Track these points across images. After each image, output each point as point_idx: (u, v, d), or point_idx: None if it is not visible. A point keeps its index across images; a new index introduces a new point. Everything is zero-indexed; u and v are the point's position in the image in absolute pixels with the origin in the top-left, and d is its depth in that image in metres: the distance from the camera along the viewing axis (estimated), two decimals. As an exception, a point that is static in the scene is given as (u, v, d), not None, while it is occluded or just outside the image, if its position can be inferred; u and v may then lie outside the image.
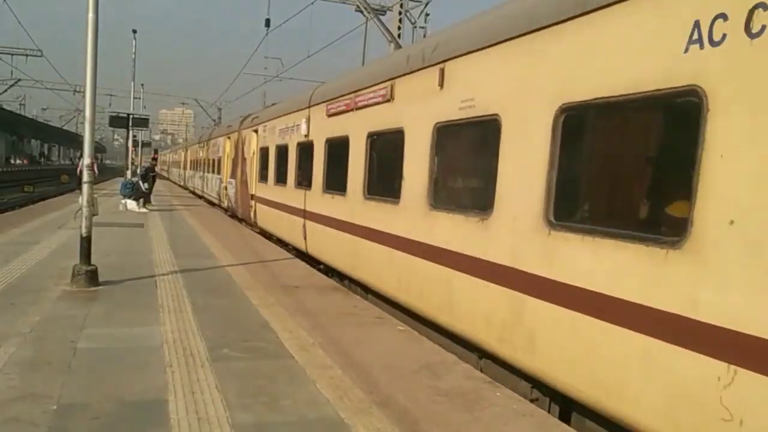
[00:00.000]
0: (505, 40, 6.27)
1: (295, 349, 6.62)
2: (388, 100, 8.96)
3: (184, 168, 50.49)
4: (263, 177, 17.94)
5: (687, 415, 4.02)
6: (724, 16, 3.86)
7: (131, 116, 28.50)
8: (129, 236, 15.47)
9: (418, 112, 8.02)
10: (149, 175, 26.05)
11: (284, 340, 6.95)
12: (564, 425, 5.18)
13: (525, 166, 5.79)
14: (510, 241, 5.97)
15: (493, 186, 6.26)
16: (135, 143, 34.83)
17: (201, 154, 36.49)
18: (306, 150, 13.36)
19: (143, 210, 22.54)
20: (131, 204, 22.53)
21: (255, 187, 19.28)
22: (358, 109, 10.27)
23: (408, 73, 8.45)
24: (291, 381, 5.64)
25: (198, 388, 5.31)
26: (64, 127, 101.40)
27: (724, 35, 3.86)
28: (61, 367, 5.68)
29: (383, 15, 19.93)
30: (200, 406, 4.94)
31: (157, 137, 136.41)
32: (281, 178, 15.70)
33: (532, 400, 5.79)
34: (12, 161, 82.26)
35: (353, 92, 10.50)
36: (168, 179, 64.57)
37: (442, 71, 7.44)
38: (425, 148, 7.72)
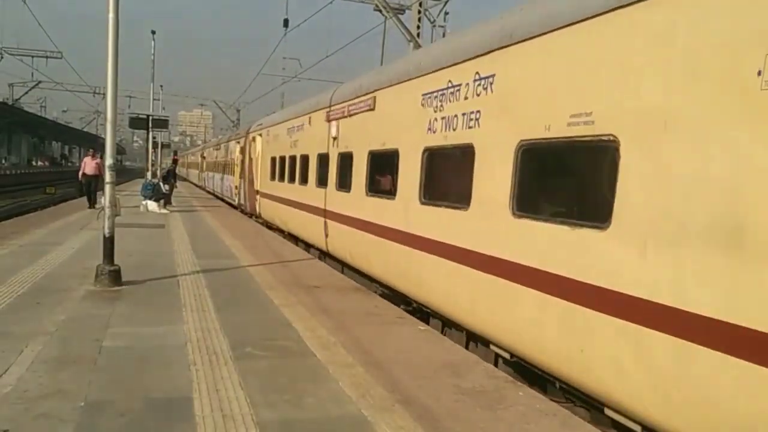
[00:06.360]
0: None
1: (317, 347, 6.66)
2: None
3: (201, 169, 51.17)
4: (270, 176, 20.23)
5: None
6: None
7: (151, 117, 28.67)
8: (151, 237, 15.62)
9: None
10: (170, 176, 26.18)
11: (306, 339, 6.99)
12: (587, 424, 5.15)
13: None
14: None
15: None
16: (155, 145, 35.05)
17: (217, 156, 37.05)
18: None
19: (164, 211, 22.74)
20: (152, 205, 22.75)
21: (260, 185, 21.78)
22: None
23: None
24: (314, 379, 5.68)
25: (222, 386, 5.36)
26: (85, 129, 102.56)
27: None
28: (88, 365, 5.75)
29: (402, 14, 19.86)
30: (224, 403, 4.99)
31: (176, 139, 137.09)
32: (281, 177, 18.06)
33: None
34: (33, 163, 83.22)
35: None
36: (186, 179, 65.08)
37: None
38: None
